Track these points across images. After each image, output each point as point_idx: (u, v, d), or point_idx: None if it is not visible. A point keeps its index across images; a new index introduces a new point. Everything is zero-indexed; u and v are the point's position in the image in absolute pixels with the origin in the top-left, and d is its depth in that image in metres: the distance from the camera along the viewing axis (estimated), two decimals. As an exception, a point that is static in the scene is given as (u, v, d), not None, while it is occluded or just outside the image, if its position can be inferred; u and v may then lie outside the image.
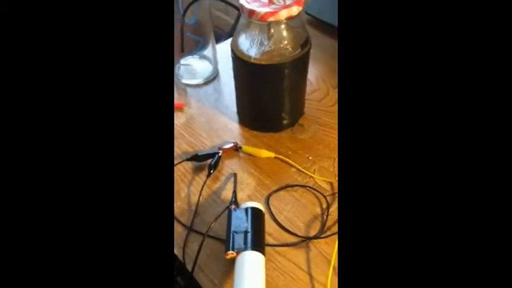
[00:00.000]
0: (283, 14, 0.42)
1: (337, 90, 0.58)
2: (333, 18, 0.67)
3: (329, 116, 0.55)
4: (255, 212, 0.39)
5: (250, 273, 0.34)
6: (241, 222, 0.38)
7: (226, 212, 0.41)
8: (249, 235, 0.37)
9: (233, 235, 0.37)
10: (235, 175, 0.48)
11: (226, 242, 0.37)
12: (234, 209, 0.40)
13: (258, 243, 0.37)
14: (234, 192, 0.45)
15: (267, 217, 0.44)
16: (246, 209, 0.39)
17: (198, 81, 0.61)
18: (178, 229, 0.43)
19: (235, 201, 0.43)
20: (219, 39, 0.66)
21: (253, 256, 0.36)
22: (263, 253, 0.37)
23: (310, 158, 0.49)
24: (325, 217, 0.43)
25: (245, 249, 0.36)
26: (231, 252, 0.36)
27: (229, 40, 0.49)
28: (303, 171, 0.48)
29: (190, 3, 0.52)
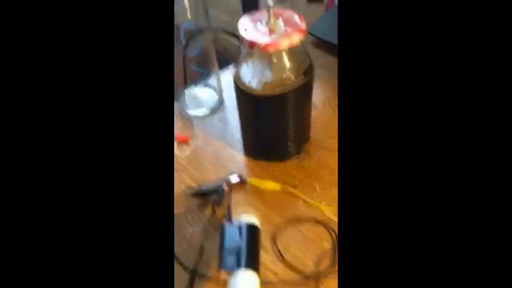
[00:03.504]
0: (284, 44, 0.41)
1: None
2: (337, 39, 0.65)
3: (334, 139, 0.53)
4: (250, 228, 0.37)
5: None
6: (234, 238, 0.36)
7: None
8: (243, 253, 0.35)
9: (226, 253, 0.35)
10: (230, 192, 0.46)
11: (218, 260, 0.35)
12: (228, 225, 0.38)
13: (252, 262, 0.34)
14: (229, 207, 0.42)
15: (273, 257, 0.42)
16: (240, 225, 0.37)
17: (204, 111, 0.61)
18: (182, 272, 0.41)
19: (229, 216, 0.40)
20: (226, 61, 0.65)
21: (246, 275, 0.33)
22: (257, 271, 0.34)
23: (317, 187, 0.48)
24: (334, 252, 0.41)
25: (238, 268, 0.34)
26: (223, 271, 0.34)
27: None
28: (310, 203, 0.46)
29: (191, 37, 0.51)
